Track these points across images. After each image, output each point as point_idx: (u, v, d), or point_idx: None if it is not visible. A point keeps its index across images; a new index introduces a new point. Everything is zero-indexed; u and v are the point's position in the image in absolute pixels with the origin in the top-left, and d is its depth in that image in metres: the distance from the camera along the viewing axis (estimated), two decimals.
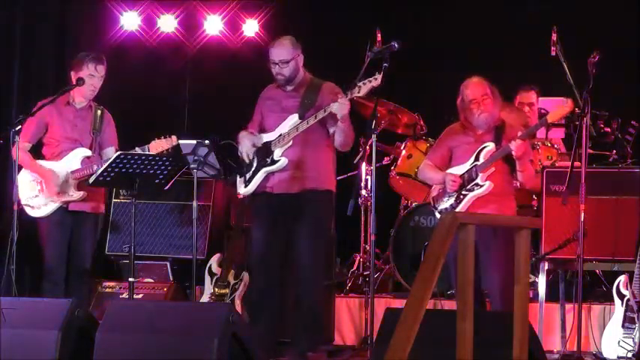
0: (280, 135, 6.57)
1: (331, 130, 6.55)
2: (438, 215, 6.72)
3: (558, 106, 6.82)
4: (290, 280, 6.75)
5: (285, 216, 6.58)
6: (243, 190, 6.70)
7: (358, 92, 6.35)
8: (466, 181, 6.54)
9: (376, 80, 6.30)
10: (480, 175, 6.49)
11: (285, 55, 6.56)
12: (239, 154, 6.71)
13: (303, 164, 6.54)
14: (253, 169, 6.65)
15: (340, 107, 6.32)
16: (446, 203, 6.61)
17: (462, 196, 6.54)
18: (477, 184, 6.50)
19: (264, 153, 6.61)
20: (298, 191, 6.54)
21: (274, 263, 6.63)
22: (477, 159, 6.55)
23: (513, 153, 6.41)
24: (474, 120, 6.59)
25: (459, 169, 6.61)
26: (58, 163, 7.01)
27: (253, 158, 6.64)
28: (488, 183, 6.48)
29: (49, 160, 7.03)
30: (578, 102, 7.09)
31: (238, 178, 6.74)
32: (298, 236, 6.54)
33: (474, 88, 6.60)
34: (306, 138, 6.53)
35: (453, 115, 8.07)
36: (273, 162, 6.57)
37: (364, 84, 6.33)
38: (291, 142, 6.53)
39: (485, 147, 6.55)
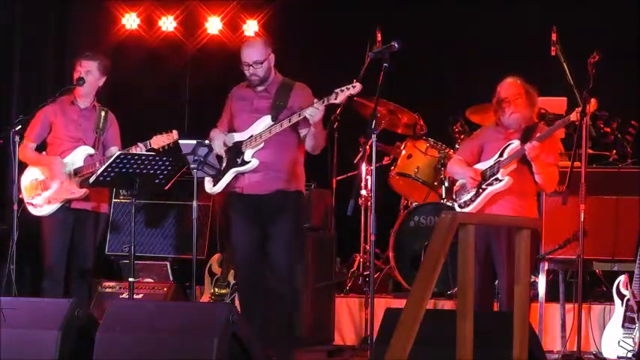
0: (251, 136, 6.53)
1: (302, 133, 6.51)
2: (457, 208, 6.69)
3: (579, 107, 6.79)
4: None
5: (261, 216, 6.54)
6: (211, 189, 6.65)
7: (335, 99, 6.31)
8: (487, 176, 6.53)
9: (354, 88, 6.26)
10: (501, 170, 6.49)
11: (258, 55, 6.54)
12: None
13: (273, 166, 6.49)
14: (222, 168, 6.61)
15: (314, 112, 6.29)
16: (466, 197, 6.61)
17: (481, 190, 6.53)
18: (496, 179, 6.50)
19: (234, 153, 6.57)
20: (268, 192, 6.49)
21: (259, 263, 6.59)
22: (501, 155, 6.55)
23: (527, 154, 6.40)
24: (505, 119, 6.58)
25: (483, 165, 6.61)
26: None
27: (222, 158, 6.62)
28: (507, 178, 6.45)
29: None
30: (579, 102, 7.09)
31: (206, 177, 6.70)
32: (271, 237, 6.51)
33: (507, 88, 6.60)
34: (277, 140, 6.48)
35: (454, 114, 8.12)
36: (244, 163, 6.51)
37: (342, 91, 6.29)
38: (262, 143, 6.50)
39: (510, 144, 6.54)
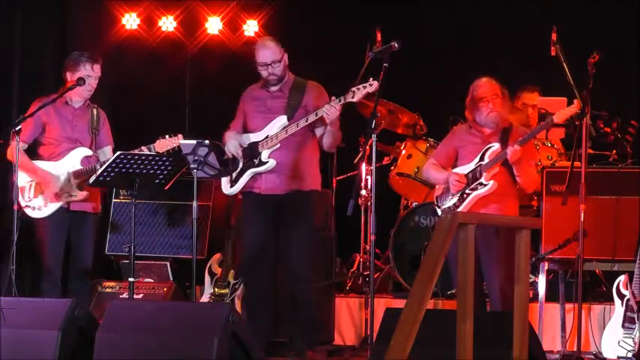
0: (267, 136, 6.57)
1: (318, 132, 6.57)
2: (440, 213, 6.71)
3: (566, 107, 6.80)
4: (284, 280, 6.77)
5: (276, 216, 6.59)
6: (229, 190, 6.72)
7: (352, 97, 6.36)
8: (470, 181, 6.54)
9: (371, 86, 6.31)
10: (485, 174, 6.50)
11: (275, 55, 6.61)
12: (226, 152, 6.72)
13: (289, 166, 6.56)
14: (239, 169, 6.66)
15: (330, 111, 6.33)
16: (449, 202, 6.62)
17: (465, 195, 6.55)
18: (480, 184, 6.51)
19: (250, 154, 6.62)
20: (285, 192, 6.57)
21: (266, 264, 6.64)
22: (482, 159, 6.56)
23: (508, 158, 6.42)
24: (482, 119, 6.61)
25: (463, 169, 6.61)
26: (57, 164, 7.00)
27: (239, 159, 6.66)
28: (492, 182, 6.48)
29: (48, 161, 7.01)
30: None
31: (223, 178, 6.75)
32: (287, 237, 6.56)
33: (484, 87, 6.62)
34: (292, 140, 6.55)
35: (454, 114, 8.11)
36: (262, 163, 6.57)
37: (358, 89, 6.35)
38: (278, 144, 6.54)
39: (490, 147, 6.56)
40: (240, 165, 6.66)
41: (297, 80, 6.69)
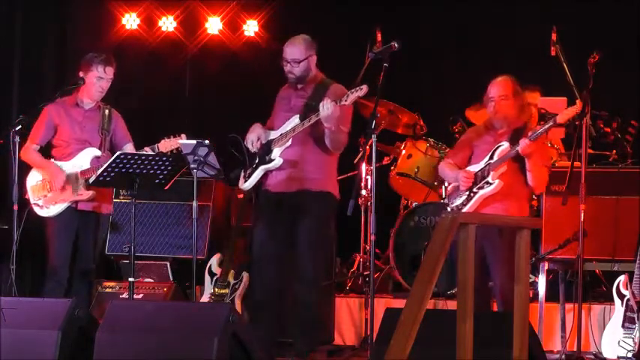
0: (281, 134, 6.60)
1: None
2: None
3: (568, 108, 6.80)
4: (290, 280, 6.76)
5: (285, 215, 6.60)
6: (243, 185, 6.74)
7: (346, 100, 6.35)
8: (478, 179, 6.54)
9: (361, 90, 6.30)
10: (492, 173, 6.49)
11: (297, 54, 6.58)
12: (245, 142, 6.72)
13: (300, 164, 6.56)
14: (254, 165, 6.68)
15: (322, 111, 6.32)
16: (458, 200, 6.62)
17: (472, 194, 6.54)
18: (487, 182, 6.51)
19: (265, 151, 6.64)
20: (295, 191, 6.56)
21: (274, 263, 6.64)
22: (491, 158, 6.56)
23: (520, 151, 6.41)
24: (492, 118, 6.63)
25: (474, 168, 6.62)
26: (67, 163, 7.01)
27: (256, 155, 6.68)
28: (498, 181, 6.47)
29: (59, 161, 7.03)
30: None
31: (242, 173, 6.77)
32: (297, 236, 6.56)
33: (496, 87, 6.61)
34: (305, 138, 6.56)
35: (454, 114, 8.12)
36: (270, 161, 6.59)
37: (352, 93, 6.34)
38: (289, 142, 6.55)
39: (499, 146, 6.56)
40: (257, 161, 6.68)
41: (323, 81, 6.67)
